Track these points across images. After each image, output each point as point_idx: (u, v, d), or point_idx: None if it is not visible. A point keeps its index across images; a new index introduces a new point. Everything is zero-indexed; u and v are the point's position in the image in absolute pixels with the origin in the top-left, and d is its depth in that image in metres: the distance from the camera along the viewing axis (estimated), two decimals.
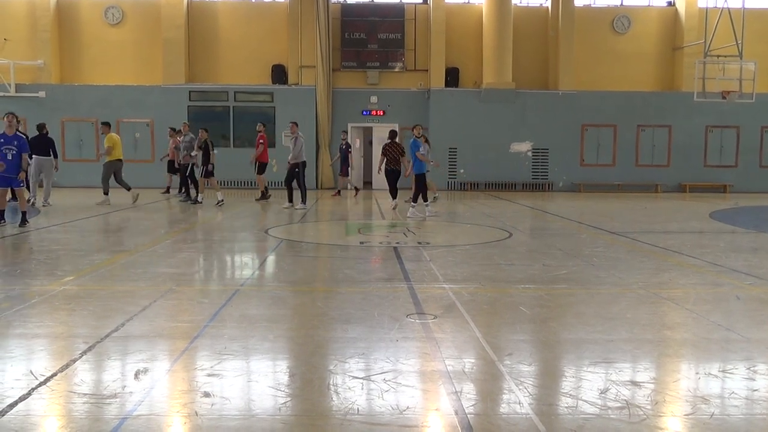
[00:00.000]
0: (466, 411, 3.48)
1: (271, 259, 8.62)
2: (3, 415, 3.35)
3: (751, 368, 4.24)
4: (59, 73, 22.36)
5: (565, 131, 22.47)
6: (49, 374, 3.95)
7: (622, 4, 23.50)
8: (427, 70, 22.65)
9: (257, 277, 7.45)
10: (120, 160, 15.62)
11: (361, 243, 9.93)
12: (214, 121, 21.64)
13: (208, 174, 15.61)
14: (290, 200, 14.84)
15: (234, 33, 22.68)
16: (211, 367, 4.14)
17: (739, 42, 20.27)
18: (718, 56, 20.74)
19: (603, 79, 23.19)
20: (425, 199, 13.48)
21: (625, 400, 3.65)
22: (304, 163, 14.78)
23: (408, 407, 3.53)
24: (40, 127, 14.66)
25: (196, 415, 3.40)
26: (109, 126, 15.91)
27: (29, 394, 3.64)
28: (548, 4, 23.12)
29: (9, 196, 12.29)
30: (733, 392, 3.81)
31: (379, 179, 17.28)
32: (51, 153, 14.51)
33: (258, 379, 3.99)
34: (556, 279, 7.16)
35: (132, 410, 3.45)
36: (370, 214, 15.26)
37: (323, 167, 22.13)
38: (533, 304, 6.03)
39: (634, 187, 22.47)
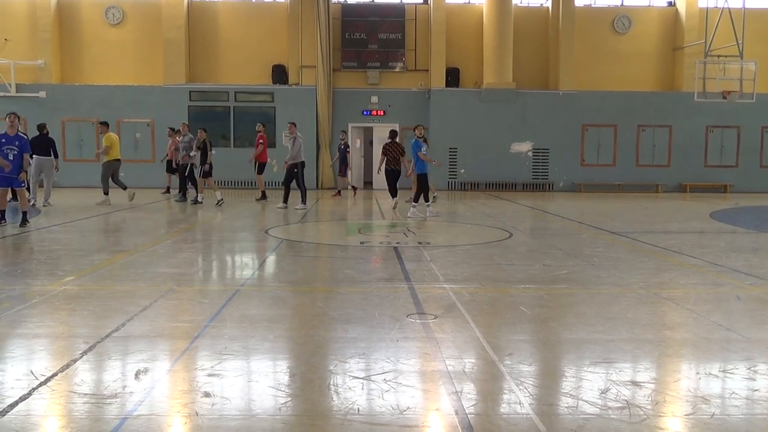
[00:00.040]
0: (467, 411, 3.48)
1: (271, 259, 8.62)
2: (4, 415, 3.35)
3: (752, 368, 4.24)
4: (60, 73, 22.38)
5: (565, 131, 22.48)
6: (49, 374, 3.95)
7: (622, 4, 23.50)
8: (427, 70, 22.65)
9: (258, 277, 7.45)
10: (118, 159, 15.63)
11: (362, 243, 9.93)
12: (215, 121, 21.66)
13: (206, 174, 15.62)
14: (285, 201, 14.83)
15: (234, 33, 22.68)
16: (212, 367, 4.14)
17: (740, 42, 20.27)
18: (719, 56, 20.74)
19: (603, 79, 23.19)
20: (426, 200, 13.48)
21: (625, 400, 3.65)
22: (302, 164, 14.78)
23: (408, 407, 3.53)
24: (41, 127, 14.66)
25: (197, 415, 3.40)
26: (108, 126, 15.92)
27: (30, 394, 3.64)
28: (548, 4, 23.12)
29: (9, 196, 12.30)
30: (733, 392, 3.81)
31: (380, 179, 17.29)
32: (51, 153, 14.51)
33: (258, 379, 3.99)
34: (557, 279, 7.16)
35: (132, 410, 3.45)
36: (370, 214, 15.26)
37: (323, 167, 22.13)
38: (534, 304, 6.02)
39: (635, 187, 22.47)
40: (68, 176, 20.24)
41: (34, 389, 3.71)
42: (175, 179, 17.96)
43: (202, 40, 22.56)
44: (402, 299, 6.04)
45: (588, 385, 3.91)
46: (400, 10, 22.75)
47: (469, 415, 3.42)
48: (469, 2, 23.20)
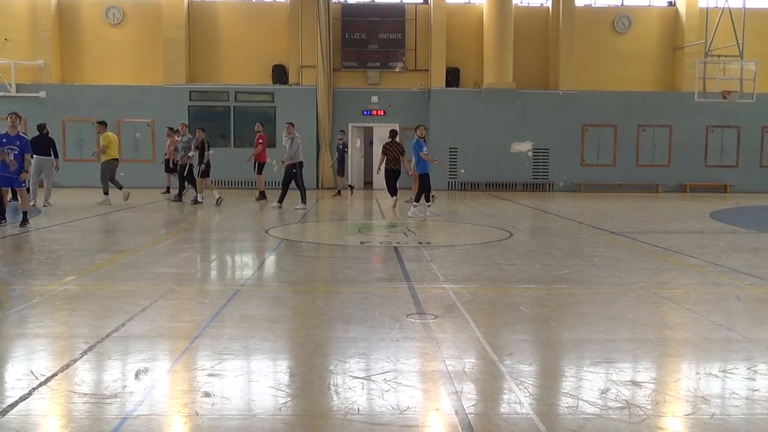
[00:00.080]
0: (467, 411, 3.48)
1: (271, 259, 8.62)
2: (4, 415, 3.35)
3: (752, 368, 4.24)
4: (60, 73, 22.38)
5: (565, 131, 22.47)
6: (49, 374, 3.95)
7: (622, 4, 23.50)
8: (427, 70, 22.65)
9: (258, 277, 7.45)
10: (116, 159, 15.64)
11: (362, 243, 9.93)
12: (215, 121, 21.68)
13: (203, 174, 15.61)
14: (280, 200, 14.83)
15: (234, 33, 22.69)
16: (212, 367, 4.14)
17: (740, 42, 20.27)
18: (719, 56, 20.74)
19: (603, 79, 23.19)
20: (427, 200, 13.49)
21: (625, 400, 3.65)
22: (300, 164, 14.78)
23: (408, 407, 3.53)
24: (41, 127, 14.66)
25: (197, 415, 3.40)
26: (106, 125, 15.92)
27: (30, 393, 3.64)
28: (549, 4, 23.12)
29: (9, 196, 12.31)
30: (733, 392, 3.81)
31: (379, 179, 17.29)
32: (51, 153, 14.50)
33: (258, 379, 3.99)
34: (557, 279, 7.16)
35: (132, 410, 3.45)
36: (370, 214, 15.26)
37: (324, 167, 22.13)
38: (534, 303, 6.02)
39: (635, 187, 22.47)
40: (68, 176, 20.24)
41: (34, 389, 3.71)
42: (175, 179, 17.96)
43: (202, 40, 22.56)
44: (402, 299, 6.04)
45: (588, 385, 3.91)
46: (400, 10, 22.75)
47: (469, 415, 3.42)
48: (469, 2, 23.20)
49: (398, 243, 9.70)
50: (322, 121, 22.05)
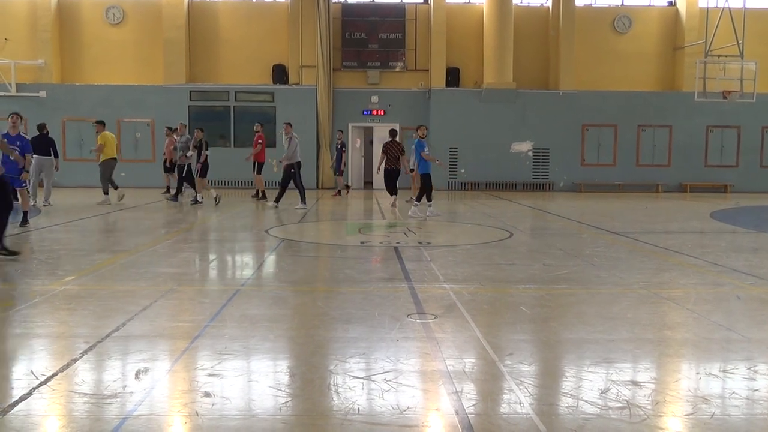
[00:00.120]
0: (467, 411, 3.48)
1: (271, 258, 8.62)
2: (4, 415, 3.35)
3: (752, 368, 4.23)
4: (60, 73, 22.38)
5: (565, 131, 22.48)
6: (49, 374, 3.95)
7: (622, 4, 23.50)
8: (427, 70, 22.66)
9: (258, 277, 7.45)
10: (114, 158, 15.64)
11: (362, 243, 9.93)
12: (215, 121, 21.69)
13: (200, 174, 15.60)
14: (277, 200, 14.83)
15: (235, 33, 22.69)
16: (212, 366, 4.14)
17: (740, 42, 20.28)
18: (719, 56, 20.75)
19: (604, 79, 23.19)
20: (429, 200, 13.50)
21: (625, 400, 3.65)
22: (298, 164, 14.77)
23: (408, 407, 3.53)
24: (41, 127, 14.66)
25: (197, 414, 3.40)
26: (104, 124, 15.91)
27: (30, 393, 3.64)
28: (549, 4, 23.12)
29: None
30: (733, 392, 3.80)
31: (380, 179, 17.30)
32: (51, 153, 14.50)
33: (258, 379, 3.99)
34: (557, 279, 7.16)
35: (133, 410, 3.45)
36: (370, 213, 15.26)
37: (324, 167, 22.13)
38: (534, 303, 6.02)
39: (635, 187, 22.48)
40: (68, 176, 20.25)
41: (34, 389, 3.71)
42: (175, 179, 17.95)
43: (202, 39, 22.56)
44: (402, 299, 6.04)
45: (588, 385, 3.91)
46: (400, 9, 22.75)
47: (469, 415, 3.42)
48: (469, 2, 23.20)
49: (398, 243, 9.70)
50: (322, 121, 22.05)
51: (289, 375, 4.09)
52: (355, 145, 22.69)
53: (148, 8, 22.39)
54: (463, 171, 22.40)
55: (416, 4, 22.86)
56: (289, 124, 15.17)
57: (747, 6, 20.91)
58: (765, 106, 21.89)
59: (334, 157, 19.82)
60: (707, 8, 20.98)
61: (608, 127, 22.65)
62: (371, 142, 22.88)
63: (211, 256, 9.00)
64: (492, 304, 6.03)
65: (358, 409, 3.50)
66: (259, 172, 16.78)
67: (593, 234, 11.22)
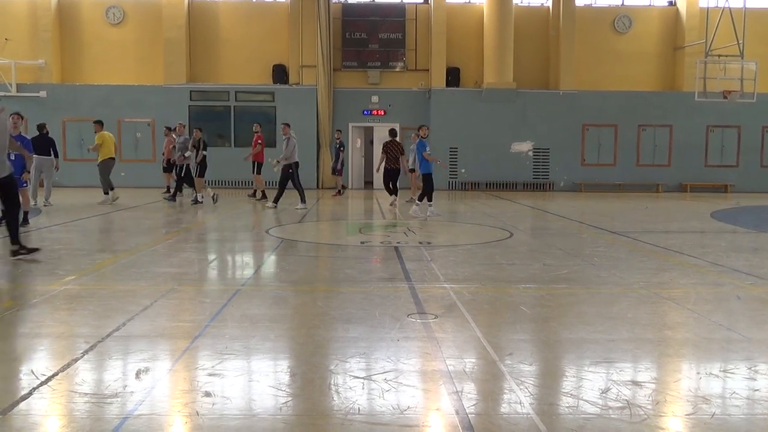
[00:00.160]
0: (467, 411, 3.48)
1: (272, 258, 8.62)
2: (4, 415, 3.36)
3: (752, 368, 4.24)
4: (60, 73, 22.39)
5: (566, 131, 22.48)
6: (50, 374, 3.95)
7: (623, 4, 23.50)
8: (428, 70, 22.66)
9: (258, 277, 7.45)
10: (112, 158, 15.64)
11: (362, 243, 9.93)
12: (215, 120, 21.69)
13: (200, 173, 15.60)
14: (275, 201, 14.83)
15: (235, 33, 22.69)
16: (212, 366, 4.14)
17: (740, 42, 20.28)
18: (719, 56, 20.75)
19: (604, 79, 23.19)
20: (430, 199, 13.50)
21: (626, 399, 3.65)
22: (296, 164, 14.77)
23: (409, 407, 3.54)
24: (40, 127, 14.65)
25: (197, 414, 3.40)
26: (102, 124, 15.91)
27: (30, 393, 3.65)
28: (549, 3, 23.12)
29: None
30: (734, 392, 3.81)
31: (380, 178, 17.30)
32: (51, 153, 14.51)
33: (259, 379, 3.99)
34: (557, 279, 7.16)
35: (133, 410, 3.45)
36: (370, 213, 15.26)
37: (324, 167, 22.13)
38: (534, 303, 6.03)
39: (635, 187, 22.48)
40: (69, 176, 20.25)
41: (34, 389, 3.71)
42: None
43: (202, 39, 22.57)
44: (402, 299, 6.04)
45: (588, 385, 3.91)
46: (400, 9, 22.75)
47: (469, 415, 3.42)
48: (469, 2, 23.20)
49: (399, 243, 9.70)
50: (322, 120, 22.06)
51: (290, 375, 4.09)
52: (355, 145, 22.69)
53: (148, 8, 22.39)
54: (463, 171, 22.40)
55: (416, 4, 22.86)
56: (287, 125, 15.18)
57: (747, 6, 20.92)
58: (765, 106, 21.89)
59: (335, 158, 19.83)
60: (707, 8, 20.99)
61: (608, 127, 22.65)
62: (371, 142, 22.87)
63: (212, 256, 9.00)
64: (492, 304, 6.03)
65: (359, 408, 3.50)
66: (258, 172, 16.82)
67: (593, 234, 11.22)
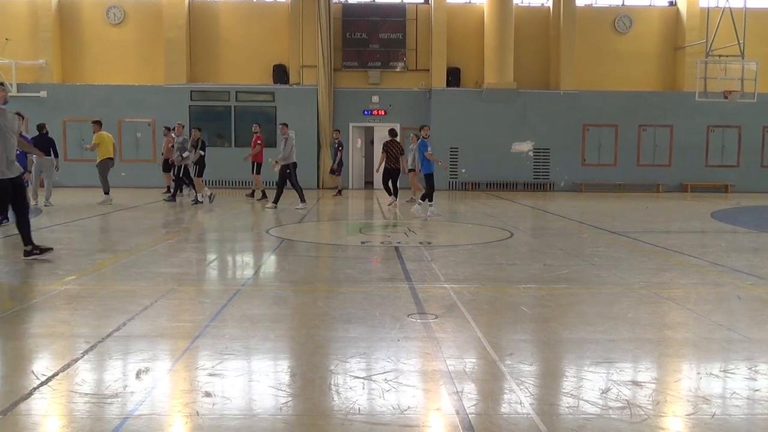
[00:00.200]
0: (467, 411, 3.48)
1: (272, 258, 8.62)
2: (4, 415, 3.36)
3: (753, 368, 4.23)
4: (61, 73, 22.39)
5: (566, 131, 22.48)
6: (50, 374, 3.96)
7: (623, 4, 23.49)
8: (428, 70, 22.66)
9: (258, 277, 7.45)
10: (111, 158, 15.65)
11: (363, 243, 9.93)
12: (216, 121, 21.69)
13: (198, 173, 15.59)
14: (275, 201, 14.83)
15: (235, 33, 22.69)
16: (213, 366, 4.14)
17: (741, 42, 20.27)
18: (720, 56, 20.74)
19: (604, 79, 23.19)
20: (430, 200, 13.50)
21: (626, 399, 3.65)
22: (294, 164, 14.77)
23: (409, 407, 3.53)
24: (40, 127, 14.67)
25: (198, 414, 3.40)
26: (100, 124, 15.91)
27: (30, 393, 3.65)
28: (549, 3, 23.11)
29: None
30: (734, 392, 3.80)
31: (380, 178, 17.30)
32: (51, 153, 14.51)
33: (259, 379, 3.99)
34: (557, 279, 7.16)
35: (133, 410, 3.45)
36: (371, 213, 15.26)
37: (324, 167, 22.12)
38: (534, 303, 6.02)
39: (636, 187, 22.47)
40: (69, 176, 20.25)
41: (34, 389, 3.71)
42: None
43: (203, 39, 22.57)
44: (403, 299, 6.04)
45: (589, 385, 3.91)
46: (401, 9, 22.75)
47: (469, 415, 3.42)
48: (470, 2, 23.19)
49: (399, 243, 9.70)
50: (323, 121, 22.05)
51: (290, 375, 4.09)
52: (355, 145, 22.69)
53: (148, 8, 22.39)
54: (463, 171, 22.40)
55: (417, 4, 22.86)
56: (285, 125, 15.20)
57: (748, 6, 20.91)
58: (766, 106, 21.88)
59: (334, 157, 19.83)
60: (708, 8, 20.98)
61: (609, 127, 22.65)
62: (372, 142, 22.87)
63: (212, 256, 9.01)
64: (492, 304, 6.03)
65: (359, 408, 3.50)
66: (258, 172, 16.85)
67: (594, 234, 11.22)
